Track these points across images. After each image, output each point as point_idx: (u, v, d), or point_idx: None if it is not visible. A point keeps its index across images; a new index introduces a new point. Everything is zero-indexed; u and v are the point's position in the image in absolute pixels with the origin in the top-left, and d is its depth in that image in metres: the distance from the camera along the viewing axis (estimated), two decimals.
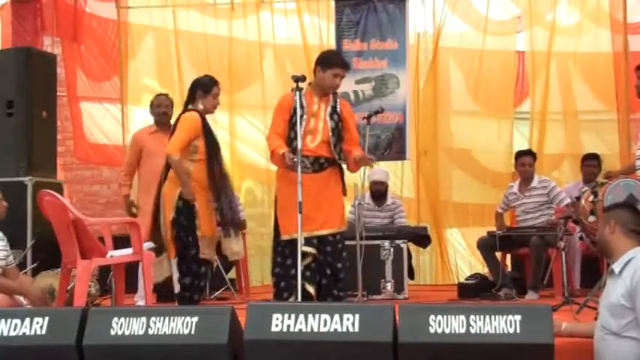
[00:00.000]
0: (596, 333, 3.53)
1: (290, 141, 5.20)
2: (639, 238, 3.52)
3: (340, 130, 5.33)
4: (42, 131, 6.78)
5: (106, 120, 8.32)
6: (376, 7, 7.67)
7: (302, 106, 5.15)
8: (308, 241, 5.06)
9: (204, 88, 5.31)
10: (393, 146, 7.60)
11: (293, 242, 5.05)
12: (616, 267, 3.50)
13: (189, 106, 5.32)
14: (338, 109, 5.37)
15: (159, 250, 5.23)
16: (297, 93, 5.14)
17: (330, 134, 5.27)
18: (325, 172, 5.29)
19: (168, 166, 5.25)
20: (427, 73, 7.87)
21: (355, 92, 7.68)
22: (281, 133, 5.25)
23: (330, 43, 7.83)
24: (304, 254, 5.00)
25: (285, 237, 5.19)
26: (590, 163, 6.87)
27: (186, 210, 5.17)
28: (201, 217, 5.18)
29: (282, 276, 5.23)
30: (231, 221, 5.29)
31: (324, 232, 5.20)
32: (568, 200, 6.36)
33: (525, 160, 6.59)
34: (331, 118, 5.32)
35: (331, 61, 5.31)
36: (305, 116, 5.20)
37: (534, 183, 6.53)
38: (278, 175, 5.42)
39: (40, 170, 6.63)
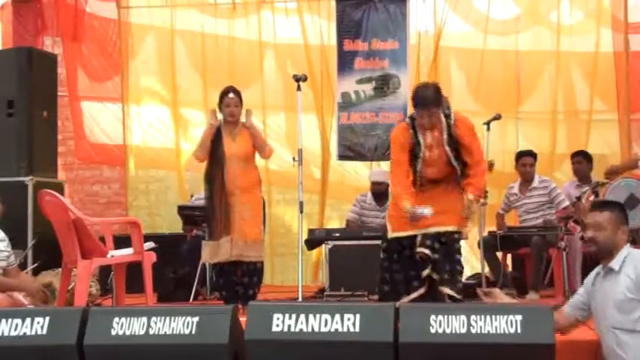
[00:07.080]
0: (608, 337, 3.53)
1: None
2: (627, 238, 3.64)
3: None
4: (42, 131, 6.79)
5: (107, 119, 8.32)
6: (377, 6, 7.69)
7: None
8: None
9: (219, 99, 5.45)
10: None
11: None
12: (615, 265, 3.56)
13: None
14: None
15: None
16: (299, 93, 5.18)
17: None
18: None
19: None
20: (428, 73, 7.83)
21: (356, 92, 7.69)
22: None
23: (331, 43, 7.83)
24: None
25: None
26: (576, 159, 6.84)
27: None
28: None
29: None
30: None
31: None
32: (567, 203, 6.36)
33: (526, 160, 6.58)
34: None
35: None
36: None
37: (535, 183, 6.52)
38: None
39: (40, 170, 6.63)
